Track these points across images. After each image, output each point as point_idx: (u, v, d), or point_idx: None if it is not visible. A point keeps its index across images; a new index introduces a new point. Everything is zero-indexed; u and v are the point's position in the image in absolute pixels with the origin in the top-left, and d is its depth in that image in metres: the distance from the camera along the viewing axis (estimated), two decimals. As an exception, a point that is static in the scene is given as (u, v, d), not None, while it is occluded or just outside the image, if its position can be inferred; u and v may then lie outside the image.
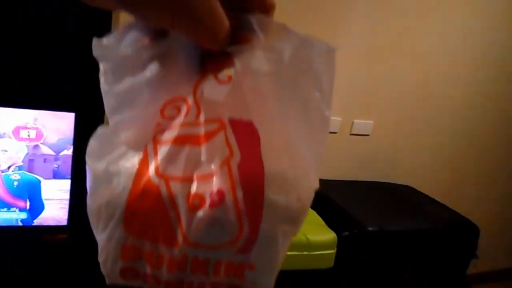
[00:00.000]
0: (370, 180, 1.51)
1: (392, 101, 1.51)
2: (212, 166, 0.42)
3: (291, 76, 0.47)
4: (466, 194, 1.87)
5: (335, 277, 1.04)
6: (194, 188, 0.42)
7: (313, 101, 0.49)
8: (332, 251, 1.00)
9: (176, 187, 0.42)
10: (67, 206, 1.09)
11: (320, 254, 0.98)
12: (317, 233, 0.99)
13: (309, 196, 0.51)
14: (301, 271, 0.97)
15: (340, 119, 1.41)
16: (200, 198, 0.42)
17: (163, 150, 0.42)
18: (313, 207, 1.16)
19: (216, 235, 0.43)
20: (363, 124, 1.46)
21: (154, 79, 0.39)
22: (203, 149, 0.43)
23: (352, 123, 1.44)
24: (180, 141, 0.42)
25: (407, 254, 1.17)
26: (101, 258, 0.50)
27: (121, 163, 0.43)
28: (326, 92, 0.50)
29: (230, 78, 0.46)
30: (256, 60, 0.45)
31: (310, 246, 0.96)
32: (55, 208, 1.10)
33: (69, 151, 1.04)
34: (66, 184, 1.08)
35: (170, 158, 0.42)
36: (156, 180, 0.42)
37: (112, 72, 0.40)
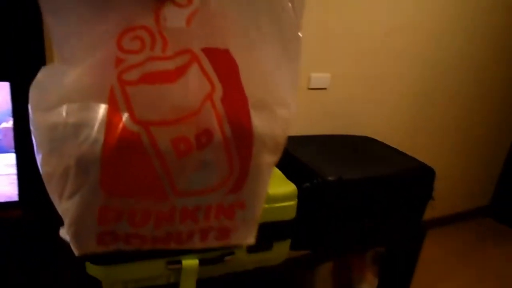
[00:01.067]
0: (330, 134, 1.52)
1: (349, 53, 1.50)
2: (195, 105, 0.39)
3: None
4: (423, 142, 1.93)
5: (297, 228, 1.05)
6: (177, 131, 0.38)
7: (286, 19, 0.44)
8: (293, 202, 1.01)
9: (158, 133, 0.37)
10: (15, 181, 1.03)
11: (281, 206, 0.99)
12: (277, 186, 0.99)
13: (289, 122, 0.48)
14: (264, 224, 0.97)
15: (296, 73, 1.39)
16: (186, 142, 0.39)
17: (134, 92, 0.37)
18: (273, 162, 1.16)
19: (207, 178, 0.42)
20: (320, 77, 1.45)
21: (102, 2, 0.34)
22: (179, 85, 0.38)
23: (309, 77, 1.43)
24: (151, 79, 0.37)
25: (366, 201, 1.20)
26: (70, 229, 0.42)
27: (83, 113, 0.36)
28: (297, 9, 0.45)
29: (190, 0, 0.39)
30: None
31: (271, 198, 0.96)
32: (3, 184, 1.04)
33: (9, 124, 0.98)
34: (11, 158, 1.02)
35: (145, 100, 0.37)
36: (134, 128, 0.37)
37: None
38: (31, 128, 0.39)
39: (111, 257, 0.85)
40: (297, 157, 1.19)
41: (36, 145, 0.40)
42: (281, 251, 1.05)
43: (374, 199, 1.22)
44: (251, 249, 0.99)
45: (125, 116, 0.37)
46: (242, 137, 0.42)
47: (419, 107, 1.83)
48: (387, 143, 1.51)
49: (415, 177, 1.31)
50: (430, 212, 1.49)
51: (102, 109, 0.36)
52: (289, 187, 1.00)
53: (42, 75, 0.39)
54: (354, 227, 1.23)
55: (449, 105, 1.95)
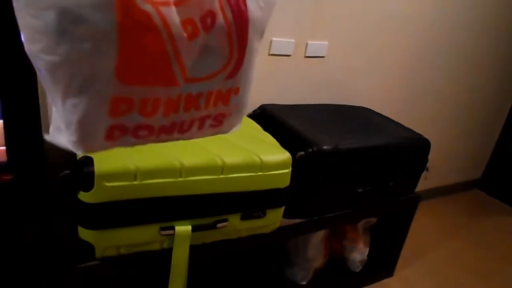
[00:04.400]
0: (326, 103, 1.50)
1: (348, 22, 1.45)
2: None
3: None
4: (420, 114, 1.92)
5: (291, 196, 1.05)
6: (184, 12, 0.37)
7: None
8: (287, 170, 1.00)
9: (168, 13, 0.36)
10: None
11: (276, 174, 0.98)
12: (271, 154, 0.98)
13: (275, 5, 0.49)
14: (257, 191, 0.97)
15: (293, 40, 1.35)
16: (193, 23, 0.38)
17: None
18: (268, 130, 1.15)
19: (211, 64, 0.42)
20: (317, 45, 1.41)
21: None
22: None
23: (306, 45, 1.39)
24: None
25: (361, 171, 1.20)
26: (78, 126, 0.39)
27: None
28: None
29: None
30: None
31: (264, 166, 0.95)
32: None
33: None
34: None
35: None
36: (145, 7, 0.35)
37: None
38: (23, 14, 0.35)
39: (104, 221, 0.85)
40: (292, 125, 1.18)
41: (33, 34, 0.35)
42: (274, 219, 1.06)
43: (369, 169, 1.22)
44: (244, 216, 0.99)
45: None
46: (240, 21, 0.43)
47: (417, 79, 1.81)
48: (384, 113, 1.49)
49: (410, 148, 1.30)
50: (423, 183, 1.50)
51: None
52: (284, 155, 0.99)
53: None
54: (348, 197, 1.23)
55: (447, 78, 1.92)
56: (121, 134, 0.42)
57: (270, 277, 1.43)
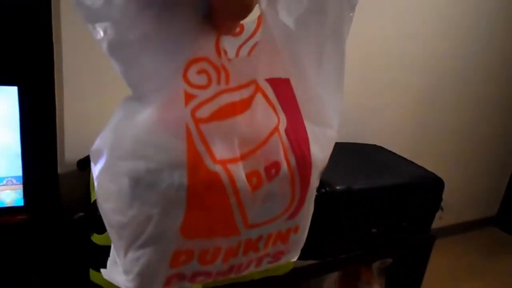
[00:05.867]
0: (337, 141, 1.50)
1: (356, 58, 1.48)
2: (262, 136, 0.39)
3: (312, 20, 0.40)
4: (431, 151, 1.91)
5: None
6: (250, 165, 0.38)
7: (333, 42, 0.43)
8: (301, 211, 0.99)
9: (235, 170, 0.37)
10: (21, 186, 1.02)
11: (289, 215, 0.97)
12: (285, 195, 0.97)
13: (334, 142, 0.49)
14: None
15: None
16: (257, 175, 0.39)
17: (207, 129, 0.36)
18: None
19: (272, 209, 0.42)
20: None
21: (165, 34, 0.33)
22: (246, 118, 0.38)
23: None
24: (221, 114, 0.36)
25: (375, 211, 1.18)
26: (138, 277, 0.40)
27: (163, 156, 0.35)
28: (342, 31, 0.44)
29: (242, 27, 0.39)
30: (281, 8, 0.37)
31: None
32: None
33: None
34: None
35: (219, 137, 0.36)
36: (215, 168, 0.36)
37: (115, 32, 0.32)
38: (100, 177, 0.37)
39: (116, 265, 0.84)
40: (305, 165, 1.18)
41: (107, 195, 0.38)
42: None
43: (382, 209, 1.20)
44: (257, 259, 0.97)
45: (205, 157, 0.36)
46: (303, 166, 0.43)
47: (427, 116, 1.82)
48: (395, 151, 1.49)
49: (424, 187, 1.29)
50: (437, 222, 1.47)
51: (181, 151, 0.35)
52: (297, 196, 0.99)
53: (117, 118, 0.37)
54: (362, 237, 1.21)
55: (457, 115, 1.93)
56: (179, 281, 0.43)
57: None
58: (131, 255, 0.39)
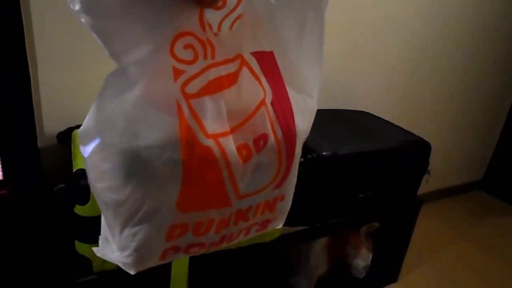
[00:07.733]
0: (324, 108, 1.49)
1: (342, 24, 1.45)
2: (250, 110, 0.40)
3: None
4: (419, 116, 1.91)
5: (292, 202, 1.03)
6: (239, 138, 0.39)
7: (313, 13, 0.43)
8: (287, 177, 0.98)
9: (226, 144, 0.38)
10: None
11: (275, 181, 0.96)
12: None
13: (315, 111, 0.50)
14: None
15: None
16: (247, 147, 0.40)
17: (197, 104, 0.36)
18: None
19: (262, 179, 0.44)
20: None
21: (145, 4, 0.33)
22: (233, 92, 0.38)
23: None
24: (210, 89, 0.36)
25: (362, 176, 1.19)
26: (135, 252, 0.40)
27: (156, 132, 0.35)
28: (322, 1, 0.45)
29: (224, 0, 0.38)
30: None
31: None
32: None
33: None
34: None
35: (208, 112, 0.37)
36: (207, 142, 0.36)
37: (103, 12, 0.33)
38: (92, 157, 0.37)
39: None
40: (291, 132, 1.16)
41: (100, 174, 0.38)
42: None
43: (369, 174, 1.20)
44: (244, 226, 0.97)
45: (197, 132, 0.36)
46: (289, 136, 0.45)
47: (414, 81, 1.80)
48: (383, 117, 1.48)
49: (411, 151, 1.29)
50: (425, 187, 1.49)
51: (174, 127, 0.35)
52: (283, 162, 0.98)
53: (105, 96, 0.36)
54: (349, 202, 1.22)
55: (446, 80, 1.92)
56: (174, 253, 0.44)
57: (273, 286, 1.41)
58: (128, 231, 0.39)
